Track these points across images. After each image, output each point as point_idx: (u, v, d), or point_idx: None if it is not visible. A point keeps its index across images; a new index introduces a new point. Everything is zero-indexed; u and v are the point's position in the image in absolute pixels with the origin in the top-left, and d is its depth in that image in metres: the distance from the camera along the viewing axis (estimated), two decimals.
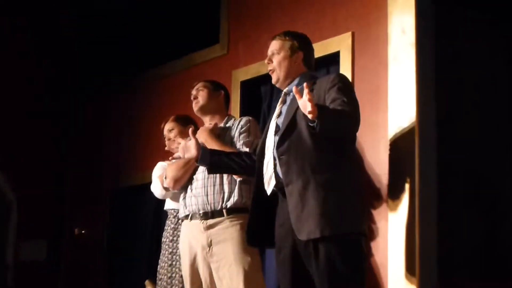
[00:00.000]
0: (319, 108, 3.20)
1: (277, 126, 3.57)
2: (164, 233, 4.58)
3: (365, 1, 4.72)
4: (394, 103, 4.37)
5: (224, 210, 4.05)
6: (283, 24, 4.97)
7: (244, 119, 4.23)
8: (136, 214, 6.30)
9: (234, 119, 4.31)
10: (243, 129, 4.14)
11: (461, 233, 4.38)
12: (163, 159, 4.73)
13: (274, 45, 3.72)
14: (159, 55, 6.41)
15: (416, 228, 4.13)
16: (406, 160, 4.26)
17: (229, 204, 4.04)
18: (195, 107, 4.30)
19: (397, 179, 4.26)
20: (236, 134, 4.14)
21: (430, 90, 4.38)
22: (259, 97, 5.35)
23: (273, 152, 3.51)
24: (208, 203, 4.06)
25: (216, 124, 4.26)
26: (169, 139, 4.67)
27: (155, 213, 5.84)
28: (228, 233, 4.02)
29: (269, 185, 3.54)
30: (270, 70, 3.71)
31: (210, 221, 4.07)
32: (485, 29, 4.68)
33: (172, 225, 4.52)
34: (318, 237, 3.29)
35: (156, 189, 4.57)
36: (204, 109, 4.29)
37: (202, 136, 4.15)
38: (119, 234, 6.54)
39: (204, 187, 4.10)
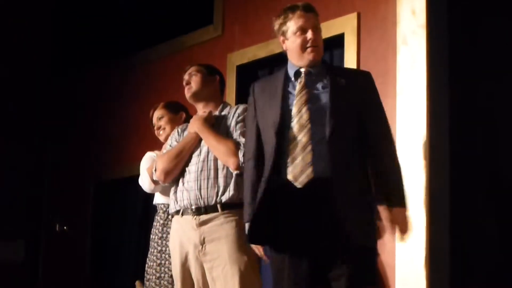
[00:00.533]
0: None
1: (314, 112, 3.31)
2: (152, 229, 4.45)
3: None
4: (403, 90, 4.32)
5: (218, 205, 3.87)
6: (283, 3, 4.82)
7: (241, 107, 4.03)
8: (123, 210, 6.23)
9: (230, 107, 4.14)
10: (240, 118, 3.96)
11: (476, 231, 4.24)
12: (152, 149, 4.61)
13: (315, 19, 3.45)
14: (147, 37, 6.33)
15: (425, 226, 4.09)
16: (415, 152, 4.20)
17: (224, 198, 3.86)
18: (188, 93, 4.11)
19: (405, 172, 4.03)
20: (233, 124, 3.97)
21: (443, 76, 4.31)
22: None
23: (310, 140, 3.28)
24: (202, 198, 3.89)
25: (210, 112, 4.07)
26: (158, 128, 4.57)
27: (143, 208, 5.76)
28: (222, 230, 3.85)
29: (302, 176, 3.26)
30: (315, 46, 3.40)
31: (203, 217, 3.89)
32: (503, 9, 4.53)
33: (162, 221, 4.39)
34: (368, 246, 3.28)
35: (145, 183, 4.43)
36: (197, 96, 4.10)
37: (196, 125, 3.99)
38: (105, 232, 6.46)
39: (197, 180, 3.91)
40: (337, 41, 4.69)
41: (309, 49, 3.38)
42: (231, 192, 3.84)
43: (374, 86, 3.42)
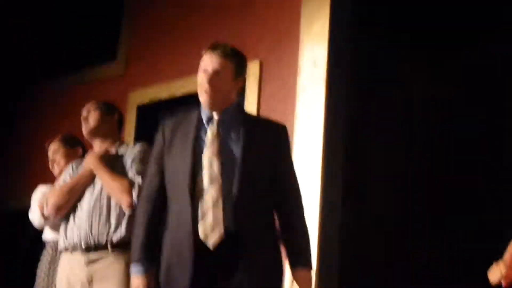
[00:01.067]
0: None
1: (225, 165, 3.13)
2: (39, 264, 4.34)
3: (276, 28, 4.68)
4: (301, 139, 4.33)
5: (109, 244, 3.80)
6: (188, 45, 5.06)
7: (138, 145, 4.02)
8: (14, 243, 6.05)
9: (127, 145, 4.11)
10: (136, 157, 3.91)
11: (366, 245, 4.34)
12: (47, 182, 4.53)
13: (218, 59, 3.20)
14: (49, 67, 6.20)
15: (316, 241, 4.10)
16: (308, 202, 4.08)
17: (115, 238, 3.80)
18: (85, 129, 4.06)
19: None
20: (129, 162, 3.92)
21: (339, 125, 4.35)
22: (156, 123, 5.08)
23: (221, 196, 3.09)
24: (92, 236, 3.82)
25: (107, 150, 4.03)
26: (53, 161, 4.48)
27: (33, 243, 5.50)
28: (111, 269, 3.78)
29: (212, 234, 3.07)
30: (208, 91, 3.18)
31: (93, 256, 3.82)
32: (403, 67, 4.62)
33: (49, 258, 4.29)
34: None
35: (35, 217, 4.33)
36: (94, 132, 4.06)
37: (91, 161, 3.94)
38: None
39: (89, 217, 3.85)
40: None
41: (200, 93, 3.23)
42: (123, 232, 3.78)
43: (288, 141, 3.29)
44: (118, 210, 3.81)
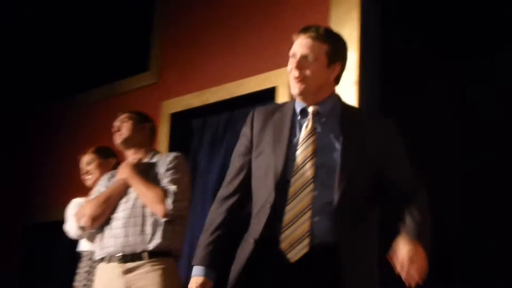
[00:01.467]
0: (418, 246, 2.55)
1: (320, 169, 2.71)
2: (76, 276, 4.35)
3: None
4: None
5: (145, 253, 3.81)
6: (220, 53, 4.98)
7: (172, 154, 4.03)
8: (50, 254, 6.07)
9: (160, 154, 4.12)
10: (170, 165, 3.93)
11: None
12: (81, 195, 4.51)
13: (308, 45, 2.78)
14: (81, 80, 6.26)
15: None
16: None
17: (151, 246, 3.81)
18: (118, 139, 4.09)
19: None
20: (162, 171, 3.93)
21: None
22: (190, 132, 5.26)
23: (311, 204, 2.68)
24: (128, 245, 3.83)
25: (140, 159, 4.05)
26: (86, 172, 4.51)
27: (70, 254, 5.49)
28: (148, 278, 3.79)
29: (295, 247, 2.66)
30: (297, 78, 2.77)
31: (129, 265, 3.82)
32: (436, 74, 4.59)
33: (86, 268, 4.30)
34: None
35: (71, 228, 4.34)
36: (127, 142, 4.08)
37: (125, 171, 3.96)
38: (30, 276, 6.26)
39: (125, 227, 3.86)
40: (269, 94, 4.63)
41: (290, 82, 2.81)
42: (159, 240, 3.79)
43: (396, 136, 2.82)
44: (153, 219, 3.82)
